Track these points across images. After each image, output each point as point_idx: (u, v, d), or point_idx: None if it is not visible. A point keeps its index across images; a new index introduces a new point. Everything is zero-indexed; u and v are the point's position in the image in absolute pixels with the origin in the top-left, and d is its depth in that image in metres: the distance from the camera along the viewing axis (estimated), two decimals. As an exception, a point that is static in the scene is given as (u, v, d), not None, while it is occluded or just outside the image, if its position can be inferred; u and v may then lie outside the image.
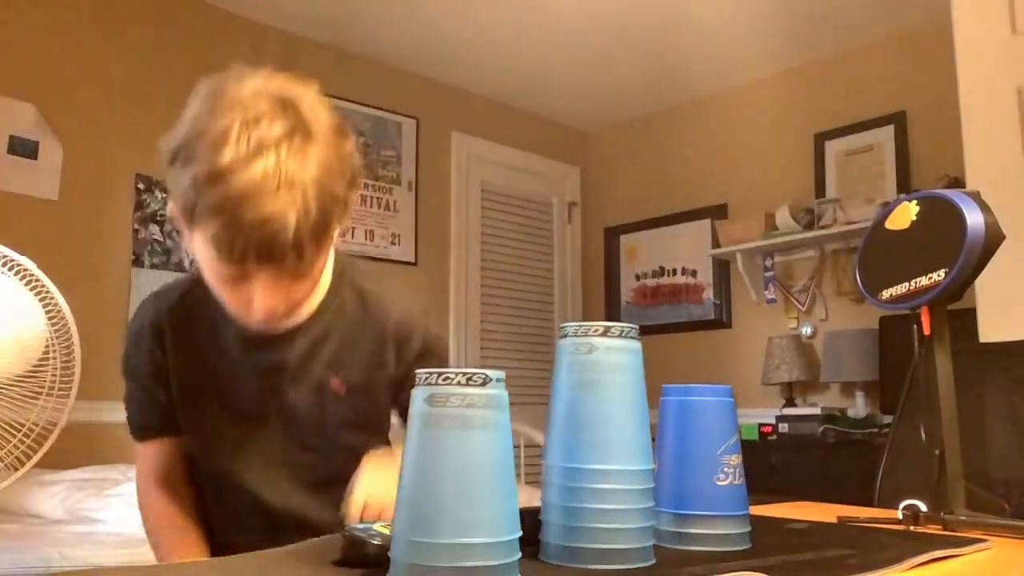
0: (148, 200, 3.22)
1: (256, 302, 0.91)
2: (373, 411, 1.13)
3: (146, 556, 1.99)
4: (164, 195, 3.26)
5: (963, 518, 0.88)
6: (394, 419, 1.20)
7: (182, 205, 0.87)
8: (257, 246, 0.85)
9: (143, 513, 1.16)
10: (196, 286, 1.05)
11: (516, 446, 3.72)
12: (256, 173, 0.83)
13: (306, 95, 0.93)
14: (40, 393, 1.18)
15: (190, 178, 0.85)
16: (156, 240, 3.22)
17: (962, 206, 0.92)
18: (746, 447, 1.07)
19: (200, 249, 0.89)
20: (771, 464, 3.40)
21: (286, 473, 1.09)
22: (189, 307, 1.08)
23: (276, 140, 0.85)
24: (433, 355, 1.15)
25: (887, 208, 1.03)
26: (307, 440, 1.09)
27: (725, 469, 0.75)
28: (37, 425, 1.16)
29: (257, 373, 1.07)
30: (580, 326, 0.69)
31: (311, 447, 1.09)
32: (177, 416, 1.11)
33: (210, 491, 1.14)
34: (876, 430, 3.31)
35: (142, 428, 1.15)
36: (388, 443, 1.17)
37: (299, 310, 1.02)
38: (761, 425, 3.57)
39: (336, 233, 0.95)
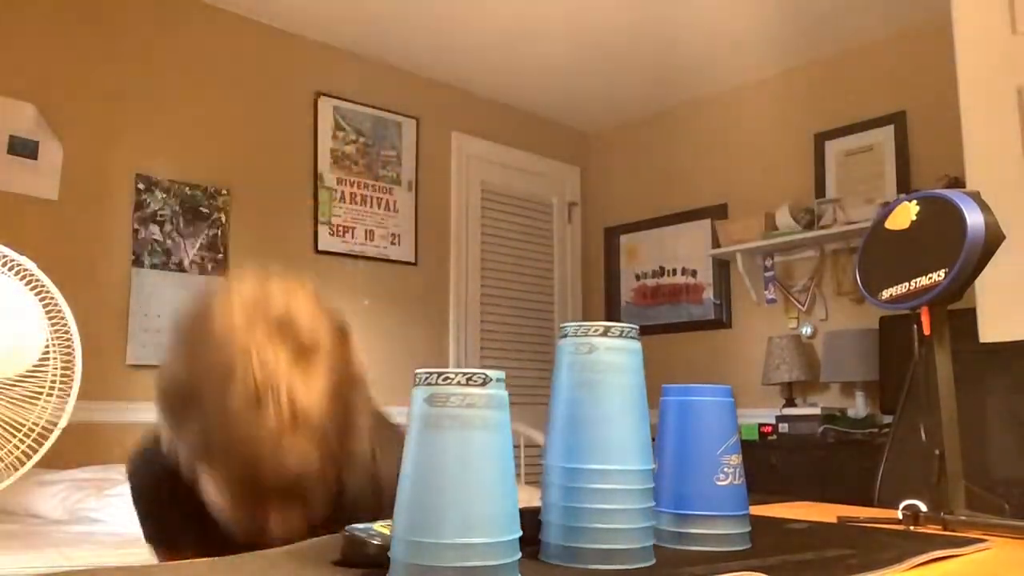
0: (148, 200, 3.22)
1: (272, 527, 0.83)
2: None
3: (146, 556, 1.99)
4: (164, 195, 3.27)
5: (963, 518, 0.88)
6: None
7: (190, 451, 0.82)
8: (277, 491, 0.80)
9: None
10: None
11: (516, 446, 3.72)
12: (269, 414, 0.77)
13: (300, 305, 0.84)
14: (40, 393, 1.18)
15: (199, 425, 0.79)
16: (156, 240, 3.22)
17: (962, 206, 0.92)
18: (746, 447, 1.07)
19: (213, 491, 0.83)
20: (771, 464, 3.40)
21: None
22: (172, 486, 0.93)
23: (283, 371, 0.78)
24: None
25: (887, 208, 1.03)
26: None
27: (725, 469, 0.75)
28: (37, 425, 1.16)
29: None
30: (580, 326, 0.69)
31: None
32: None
33: None
34: (876, 430, 3.31)
35: (176, 536, 1.05)
36: None
37: None
38: (761, 425, 3.57)
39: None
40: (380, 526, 0.67)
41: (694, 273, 4.37)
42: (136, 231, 3.18)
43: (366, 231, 3.86)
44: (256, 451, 0.77)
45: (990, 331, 1.98)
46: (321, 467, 0.80)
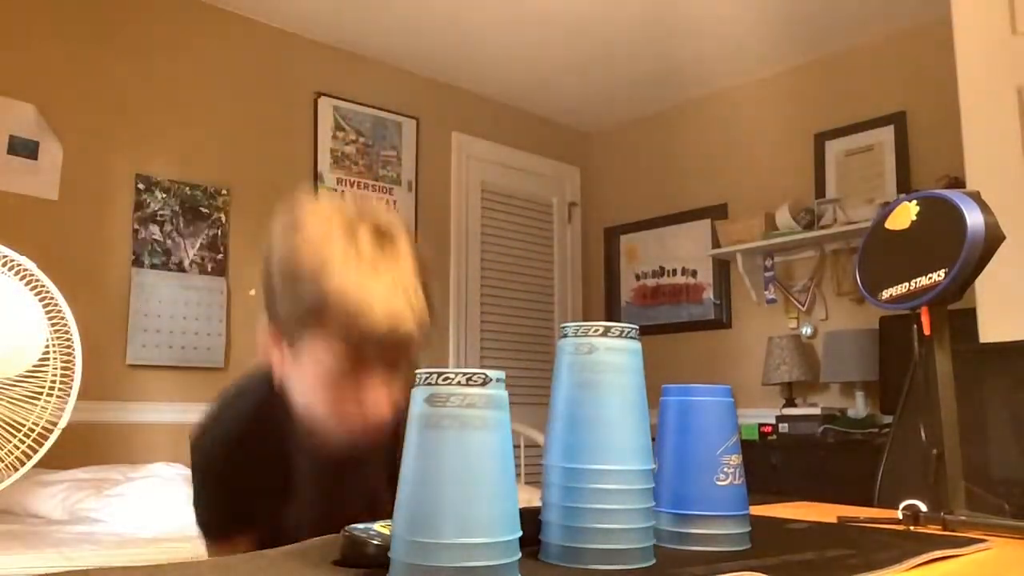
0: (148, 200, 3.22)
1: (369, 403, 0.91)
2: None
3: (146, 556, 1.99)
4: (164, 195, 3.27)
5: (963, 518, 0.88)
6: None
7: (296, 316, 0.89)
8: (381, 348, 0.87)
9: None
10: (270, 396, 1.01)
11: (516, 446, 3.72)
12: (376, 280, 0.87)
13: (379, 208, 0.96)
14: (40, 393, 1.17)
15: (307, 288, 0.87)
16: (156, 240, 3.22)
17: (962, 206, 0.92)
18: (746, 447, 1.07)
19: (312, 358, 0.90)
20: (771, 464, 3.40)
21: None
22: (265, 416, 1.03)
23: (380, 251, 0.89)
24: None
25: (887, 208, 1.02)
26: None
27: (725, 469, 0.75)
28: (37, 425, 1.16)
29: (321, 486, 1.04)
30: (580, 326, 0.69)
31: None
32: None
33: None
34: (876, 430, 3.31)
35: (233, 522, 1.05)
36: None
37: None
38: (761, 425, 3.57)
39: None
40: (380, 526, 0.67)
41: (694, 273, 4.37)
42: (136, 231, 3.18)
43: (366, 231, 3.86)
44: (368, 307, 0.85)
45: (990, 331, 1.98)
46: (418, 333, 0.89)
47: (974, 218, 0.91)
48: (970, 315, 1.99)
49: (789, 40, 3.81)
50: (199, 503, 1.05)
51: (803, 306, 3.88)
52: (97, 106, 3.14)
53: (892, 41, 3.71)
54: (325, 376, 0.91)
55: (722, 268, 4.23)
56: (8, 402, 1.14)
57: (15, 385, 1.16)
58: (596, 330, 0.69)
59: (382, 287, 0.87)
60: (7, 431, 1.15)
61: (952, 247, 0.91)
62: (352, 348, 0.87)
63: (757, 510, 0.91)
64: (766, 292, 3.99)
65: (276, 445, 1.03)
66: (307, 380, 0.94)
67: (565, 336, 0.70)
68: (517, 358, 4.34)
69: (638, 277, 4.63)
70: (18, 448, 1.15)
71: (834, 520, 0.96)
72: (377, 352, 0.88)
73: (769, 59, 4.01)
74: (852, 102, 3.81)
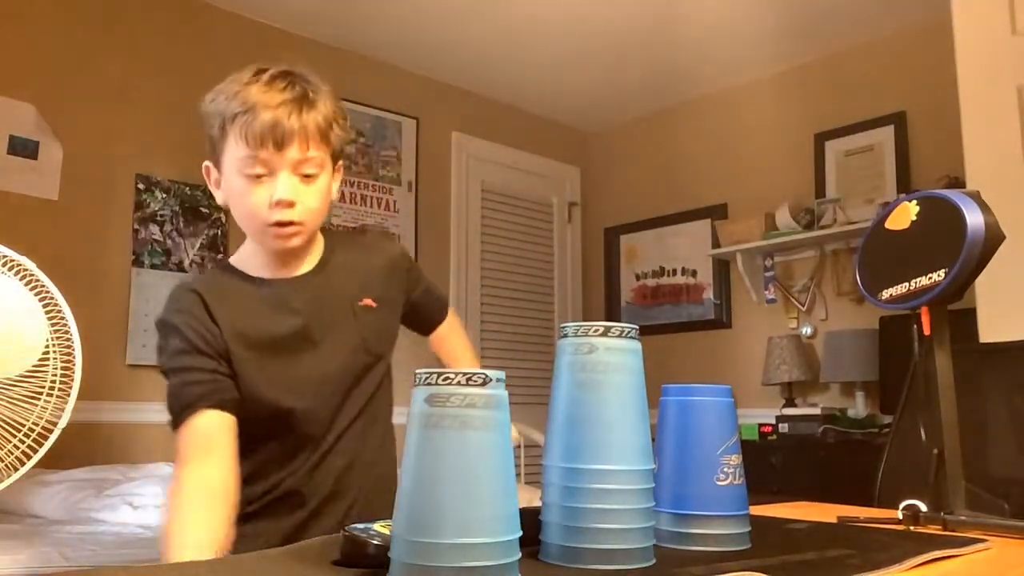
0: (148, 200, 3.22)
1: (278, 191, 1.12)
2: (394, 324, 1.34)
3: (146, 556, 1.99)
4: (164, 195, 3.27)
5: (963, 518, 0.88)
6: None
7: (218, 126, 1.15)
8: (272, 130, 1.11)
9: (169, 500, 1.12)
10: (216, 269, 1.29)
11: (516, 446, 3.72)
12: (276, 92, 1.15)
13: (309, 74, 1.25)
14: (40, 393, 1.17)
15: (224, 100, 1.15)
16: (156, 240, 3.22)
17: (962, 206, 0.92)
18: (746, 447, 1.07)
19: (230, 158, 1.14)
20: (771, 464, 3.40)
21: (341, 391, 1.22)
22: (219, 282, 1.23)
23: (292, 94, 1.17)
24: (414, 265, 1.42)
25: (887, 208, 1.02)
26: (355, 353, 1.24)
27: (725, 469, 0.75)
28: (37, 425, 1.16)
29: (301, 305, 1.21)
30: (580, 326, 0.69)
31: (359, 360, 1.24)
32: (236, 382, 1.15)
33: (257, 439, 1.16)
34: (876, 430, 3.31)
35: (191, 404, 1.11)
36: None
37: (308, 250, 1.25)
38: (761, 425, 3.57)
39: (334, 181, 1.23)
40: (380, 526, 0.67)
41: (694, 273, 4.37)
42: (136, 231, 3.18)
43: (366, 231, 3.86)
44: (262, 103, 1.14)
45: (990, 331, 1.98)
46: (304, 128, 1.15)
47: (974, 218, 0.91)
48: (970, 315, 1.99)
49: (789, 40, 3.81)
50: (173, 384, 1.14)
51: (803, 306, 3.88)
52: (97, 106, 3.14)
53: (892, 41, 3.71)
54: (238, 173, 1.14)
55: (722, 268, 4.23)
56: (8, 402, 1.14)
57: (15, 385, 1.15)
58: (596, 330, 0.69)
59: (275, 95, 1.14)
60: (7, 431, 1.15)
61: (952, 247, 0.91)
62: (250, 132, 1.11)
63: (757, 510, 0.91)
64: (766, 292, 3.99)
65: (234, 295, 1.20)
66: (233, 190, 1.16)
67: (565, 336, 0.70)
68: (517, 358, 4.34)
69: (638, 277, 4.63)
70: (18, 448, 1.15)
71: (834, 520, 0.96)
72: (267, 131, 1.11)
73: (769, 59, 4.01)
74: (852, 102, 3.81)
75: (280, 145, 1.12)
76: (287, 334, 1.19)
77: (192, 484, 1.07)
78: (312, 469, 1.18)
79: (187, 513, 1.04)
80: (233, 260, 1.27)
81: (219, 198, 1.22)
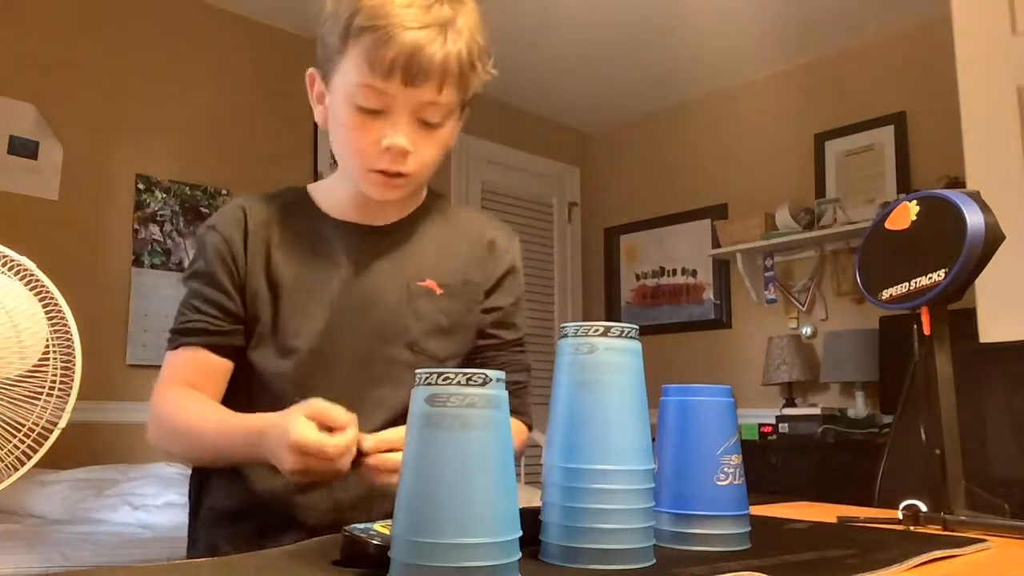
0: (148, 200, 3.22)
1: (394, 137, 0.95)
2: (464, 318, 1.10)
3: (146, 556, 1.99)
4: (164, 195, 3.26)
5: (963, 518, 0.88)
6: None
7: (338, 35, 0.94)
8: (406, 61, 0.91)
9: (160, 412, 1.02)
10: (284, 191, 1.10)
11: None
12: (419, 9, 0.92)
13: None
14: (40, 393, 1.17)
15: (352, 2, 0.93)
16: (156, 240, 3.22)
17: (962, 206, 0.92)
18: (746, 447, 1.07)
19: (345, 81, 0.95)
20: (771, 464, 3.40)
21: (365, 380, 1.03)
22: (279, 205, 1.07)
23: (439, 14, 0.94)
24: (518, 274, 1.17)
25: (887, 208, 1.02)
26: (391, 341, 1.04)
27: (725, 469, 0.75)
28: (37, 425, 1.16)
29: (353, 262, 1.05)
30: (580, 326, 0.69)
31: (394, 352, 1.04)
32: (247, 323, 1.03)
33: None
34: (876, 430, 3.31)
35: (191, 332, 1.03)
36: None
37: (409, 202, 1.09)
38: (761, 425, 3.57)
39: (463, 114, 1.04)
40: (380, 526, 0.67)
41: (694, 273, 4.37)
42: (136, 231, 3.18)
43: (366, 231, 3.86)
44: (398, 22, 0.91)
45: (990, 331, 1.98)
46: (445, 62, 0.94)
47: (974, 218, 0.91)
48: (970, 315, 1.99)
49: (789, 40, 3.81)
50: (183, 302, 1.05)
51: (803, 306, 3.88)
52: (97, 106, 3.14)
53: (892, 41, 3.71)
54: (349, 102, 0.95)
55: (722, 268, 4.23)
56: (8, 402, 1.14)
57: (15, 385, 1.15)
58: (596, 330, 0.69)
59: (417, 13, 0.91)
60: (7, 431, 1.15)
61: (952, 247, 0.91)
62: (378, 55, 0.91)
63: (757, 510, 0.91)
64: (766, 292, 3.99)
65: (290, 225, 1.06)
66: (338, 116, 0.98)
67: (565, 336, 0.70)
68: (517, 358, 4.34)
69: (638, 277, 4.63)
70: (18, 448, 1.15)
71: (834, 520, 0.96)
72: (399, 61, 0.90)
73: (769, 59, 4.01)
74: (852, 102, 3.81)
75: (411, 80, 0.92)
76: (317, 288, 1.03)
77: (183, 392, 1.00)
78: None
79: (198, 405, 0.98)
80: (311, 187, 1.11)
81: (318, 115, 1.04)
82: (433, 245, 1.10)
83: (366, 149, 0.96)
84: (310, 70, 1.04)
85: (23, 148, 2.95)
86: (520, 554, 0.58)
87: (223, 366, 1.03)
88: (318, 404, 0.83)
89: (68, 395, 1.22)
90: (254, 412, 0.95)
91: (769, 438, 3.53)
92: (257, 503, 1.01)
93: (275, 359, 1.02)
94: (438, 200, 1.16)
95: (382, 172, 0.98)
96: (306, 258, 1.04)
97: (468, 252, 1.12)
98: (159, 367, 1.12)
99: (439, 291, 1.07)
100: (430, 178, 1.06)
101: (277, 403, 0.92)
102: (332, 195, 1.08)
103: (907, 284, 0.96)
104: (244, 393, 1.03)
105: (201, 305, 1.02)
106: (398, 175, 0.98)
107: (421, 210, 1.12)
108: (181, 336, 1.03)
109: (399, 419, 0.99)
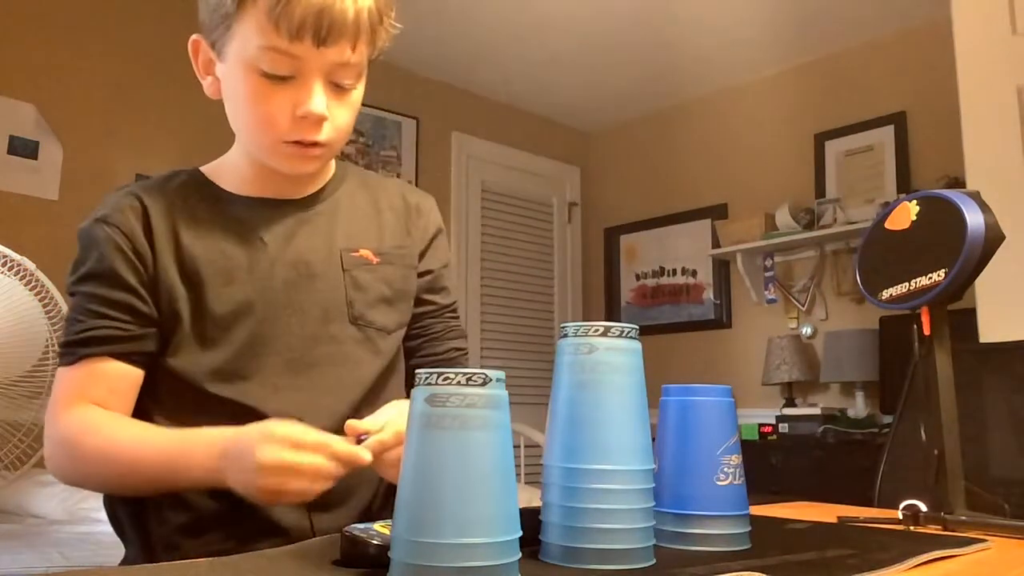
0: (148, 200, 3.22)
1: (311, 103, 0.87)
2: (405, 285, 1.04)
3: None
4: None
5: (963, 518, 0.88)
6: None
7: (222, 7, 0.86)
8: (316, 20, 0.83)
9: (68, 437, 0.88)
10: (174, 174, 1.01)
11: (516, 446, 3.72)
12: None
13: None
14: (40, 393, 1.17)
15: None
16: (156, 240, 3.22)
17: (962, 206, 0.92)
18: (746, 447, 1.07)
19: (244, 45, 0.87)
20: (771, 464, 3.40)
21: (302, 370, 0.94)
22: (174, 189, 0.98)
23: None
24: (444, 236, 1.12)
25: (887, 208, 1.02)
26: (334, 319, 0.96)
27: (725, 469, 0.75)
28: (37, 425, 1.16)
29: (278, 238, 0.96)
30: (580, 326, 0.69)
31: (338, 330, 0.96)
32: (162, 324, 0.92)
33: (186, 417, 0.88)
34: (876, 430, 3.31)
35: (95, 342, 0.89)
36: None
37: (322, 173, 1.01)
38: (761, 425, 3.57)
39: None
40: (380, 526, 0.67)
41: (694, 273, 4.37)
42: (136, 231, 3.18)
43: (366, 231, 3.86)
44: None
45: (990, 331, 1.98)
46: (357, 19, 0.87)
47: (974, 218, 0.91)
48: (970, 315, 1.99)
49: (789, 40, 3.81)
50: (73, 308, 0.93)
51: (803, 306, 3.88)
52: (97, 106, 3.14)
53: (892, 41, 3.71)
54: (253, 68, 0.87)
55: (722, 268, 4.23)
56: (8, 402, 1.14)
57: (15, 385, 1.15)
58: (596, 330, 0.69)
59: None
60: (7, 431, 1.15)
61: (952, 247, 0.91)
62: (286, 14, 0.83)
63: (757, 510, 0.91)
64: (766, 292, 3.99)
65: (194, 210, 0.97)
66: (238, 87, 0.89)
67: (565, 336, 0.70)
68: (517, 358, 4.34)
69: (638, 277, 4.63)
70: (18, 448, 1.15)
71: (834, 520, 0.96)
72: (309, 19, 0.83)
73: (769, 59, 4.01)
74: (852, 102, 3.81)
75: (323, 40, 0.85)
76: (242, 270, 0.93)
77: (95, 412, 0.87)
78: None
79: (124, 426, 0.86)
80: (206, 169, 1.02)
81: (207, 87, 0.95)
82: (359, 213, 1.03)
83: (276, 120, 0.88)
84: (193, 37, 0.93)
85: (23, 148, 2.95)
86: (520, 554, 0.58)
87: (134, 376, 0.91)
88: (283, 427, 0.77)
89: (68, 395, 1.22)
90: (172, 425, 0.87)
91: (769, 438, 3.53)
92: (222, 509, 0.88)
93: (201, 357, 0.91)
94: (349, 167, 1.08)
95: (297, 143, 0.90)
96: (223, 242, 0.94)
97: (394, 218, 1.05)
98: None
99: (376, 260, 1.00)
100: (343, 146, 0.98)
101: (201, 410, 0.86)
102: (235, 173, 0.99)
103: (907, 284, 0.96)
104: (155, 403, 0.92)
105: (103, 309, 0.90)
106: (315, 144, 0.90)
107: (336, 179, 1.04)
108: (81, 347, 0.89)
109: (358, 402, 0.95)
